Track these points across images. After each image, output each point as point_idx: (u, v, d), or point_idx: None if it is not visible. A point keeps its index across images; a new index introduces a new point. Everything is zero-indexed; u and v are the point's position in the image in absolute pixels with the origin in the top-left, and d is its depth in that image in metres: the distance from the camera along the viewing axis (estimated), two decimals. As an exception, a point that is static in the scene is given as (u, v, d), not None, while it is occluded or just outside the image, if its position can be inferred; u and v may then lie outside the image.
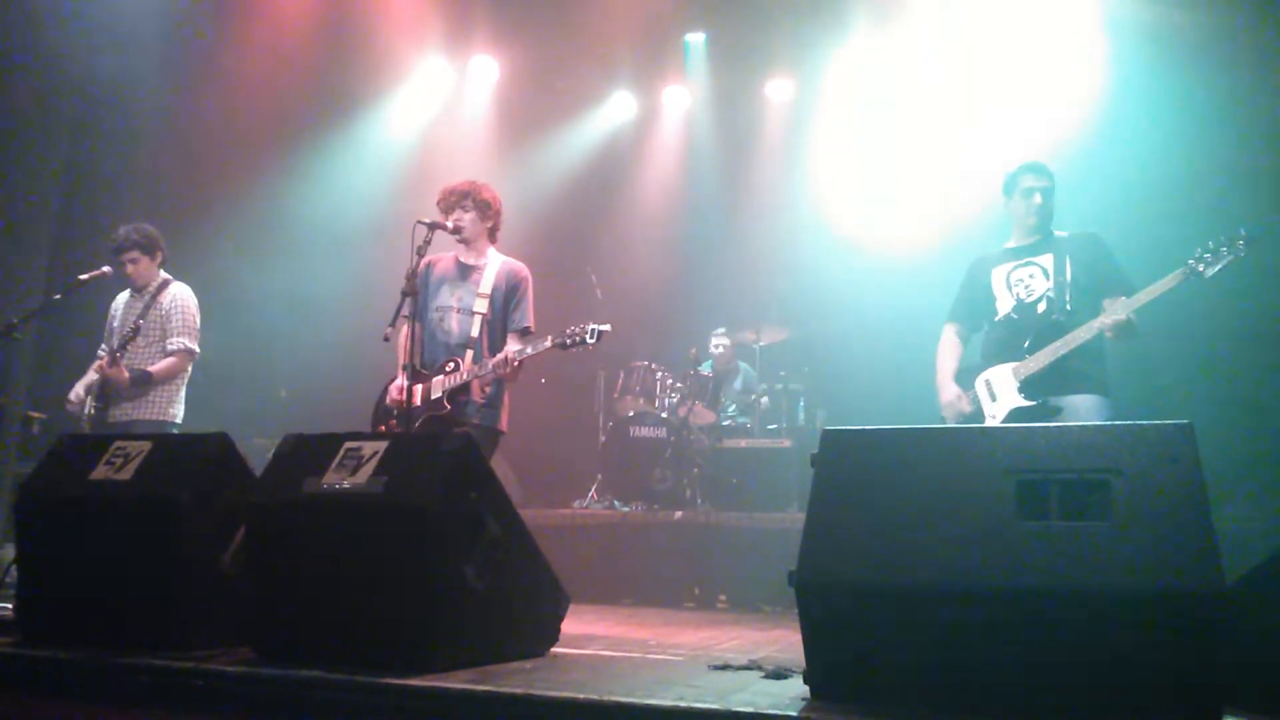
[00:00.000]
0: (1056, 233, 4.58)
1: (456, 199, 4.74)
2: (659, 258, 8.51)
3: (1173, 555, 2.34)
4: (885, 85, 7.75)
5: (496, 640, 3.11)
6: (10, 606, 3.62)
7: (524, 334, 4.70)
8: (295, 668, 2.79)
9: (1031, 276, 4.50)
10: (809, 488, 2.76)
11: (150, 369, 5.30)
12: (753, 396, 7.47)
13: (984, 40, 7.17)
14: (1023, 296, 4.50)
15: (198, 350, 5.46)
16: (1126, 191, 5.98)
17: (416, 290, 4.35)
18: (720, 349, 7.71)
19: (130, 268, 5.48)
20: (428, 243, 4.46)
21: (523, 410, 7.19)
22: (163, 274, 5.58)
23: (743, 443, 7.05)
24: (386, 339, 4.34)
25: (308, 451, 3.23)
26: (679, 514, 6.48)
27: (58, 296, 5.41)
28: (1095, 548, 2.39)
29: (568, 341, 4.38)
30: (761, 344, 7.53)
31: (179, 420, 5.45)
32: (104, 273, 5.46)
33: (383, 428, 4.66)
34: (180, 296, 5.48)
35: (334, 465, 3.09)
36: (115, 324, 5.53)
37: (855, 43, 7.74)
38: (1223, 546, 2.33)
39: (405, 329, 4.49)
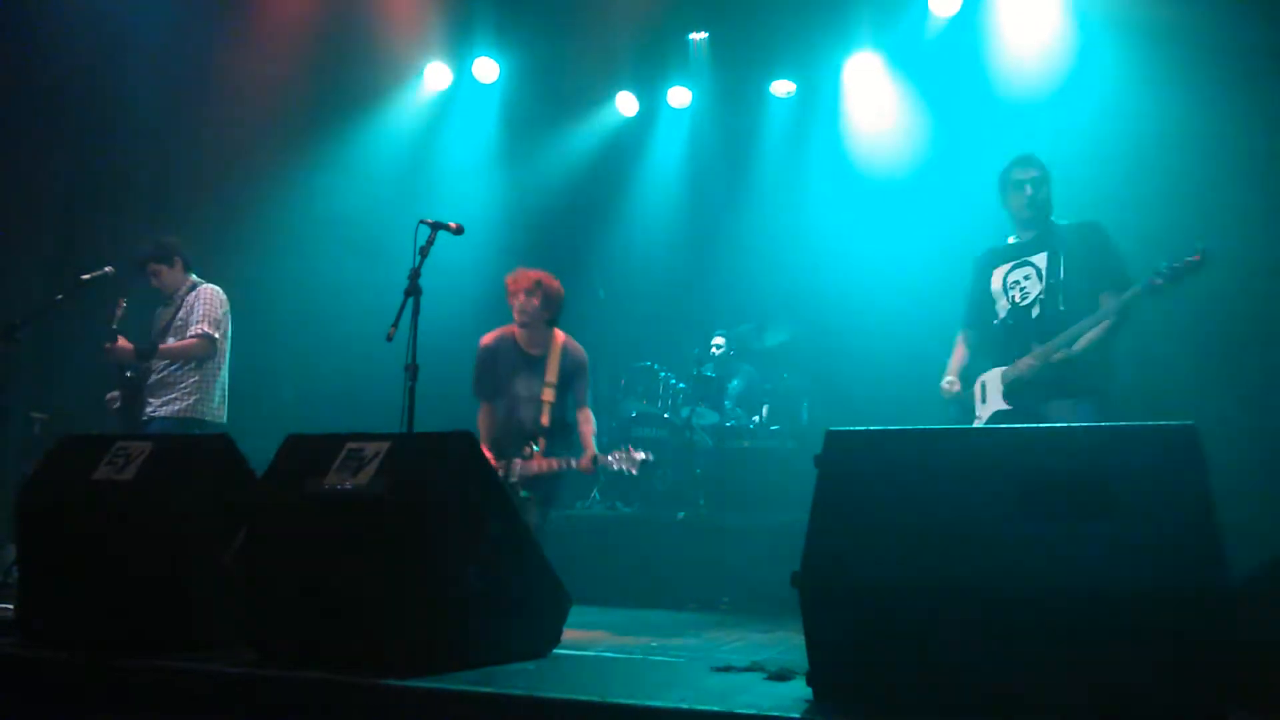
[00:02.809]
0: (1059, 224, 4.56)
1: (528, 285, 5.08)
2: (661, 257, 8.50)
3: (1177, 557, 2.33)
4: (890, 84, 7.74)
5: (498, 641, 3.10)
6: (11, 607, 3.62)
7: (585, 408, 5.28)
8: (296, 669, 2.78)
9: (1026, 278, 4.50)
10: (812, 489, 2.75)
11: (160, 345, 5.36)
12: (754, 395, 7.46)
13: (985, 39, 7.15)
14: (1017, 300, 4.51)
15: (216, 337, 5.47)
16: (1129, 190, 5.96)
17: (419, 290, 4.35)
18: (719, 350, 7.70)
19: (154, 280, 5.60)
20: (430, 243, 4.47)
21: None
22: (192, 278, 5.65)
23: (745, 443, 7.04)
24: (389, 339, 4.34)
25: (309, 452, 3.23)
26: (681, 515, 6.47)
27: (60, 297, 5.41)
28: (1098, 549, 2.39)
29: (614, 466, 4.96)
30: (764, 344, 7.52)
31: (212, 420, 5.44)
32: (106, 273, 5.45)
33: None
34: (204, 292, 5.57)
35: (336, 465, 3.09)
36: (153, 335, 5.58)
37: (859, 42, 7.72)
38: (1228, 548, 2.32)
39: (486, 409, 5.21)
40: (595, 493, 7.12)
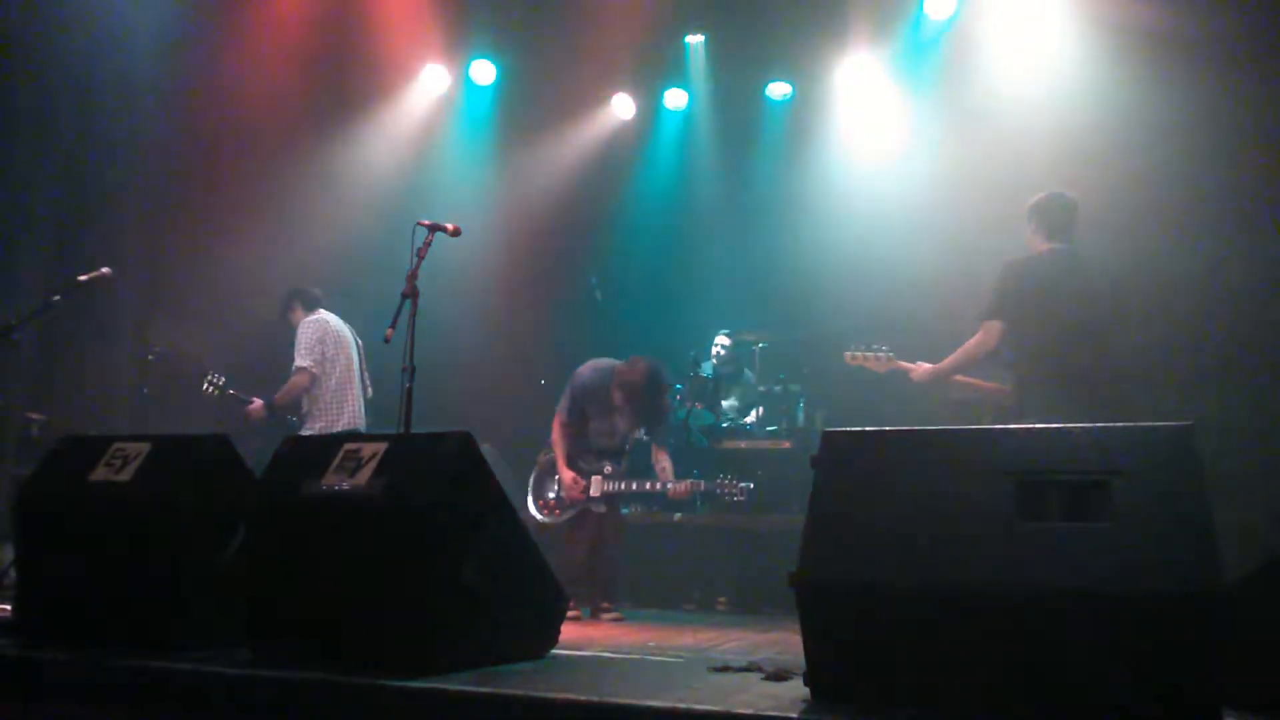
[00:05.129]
0: None
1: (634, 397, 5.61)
2: (658, 259, 8.49)
3: (1173, 556, 2.34)
4: (886, 87, 7.75)
5: (496, 642, 3.10)
6: (9, 607, 3.62)
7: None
8: (294, 669, 2.78)
9: None
10: (809, 489, 2.75)
11: (275, 396, 5.99)
12: (752, 398, 7.45)
13: (987, 43, 7.15)
14: None
15: (305, 365, 5.90)
16: (1126, 188, 5.97)
17: (416, 292, 4.36)
18: (722, 351, 7.70)
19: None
20: (427, 244, 4.47)
21: (523, 411, 7.19)
22: (313, 313, 6.13)
23: (742, 444, 7.04)
24: (387, 340, 4.35)
25: (307, 453, 3.24)
26: (678, 515, 6.47)
27: (56, 298, 5.40)
28: (1095, 549, 2.39)
29: (718, 491, 5.62)
30: (761, 345, 7.52)
31: (325, 432, 5.81)
32: (103, 274, 5.45)
33: (541, 502, 5.82)
34: (299, 327, 6.05)
35: (333, 466, 3.09)
36: None
37: (856, 44, 7.73)
38: (1223, 548, 2.32)
39: (564, 426, 5.70)
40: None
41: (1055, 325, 4.40)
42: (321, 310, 6.20)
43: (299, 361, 5.95)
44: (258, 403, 6.03)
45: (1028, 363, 4.51)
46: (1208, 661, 2.26)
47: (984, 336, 4.57)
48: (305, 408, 6.00)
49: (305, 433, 5.88)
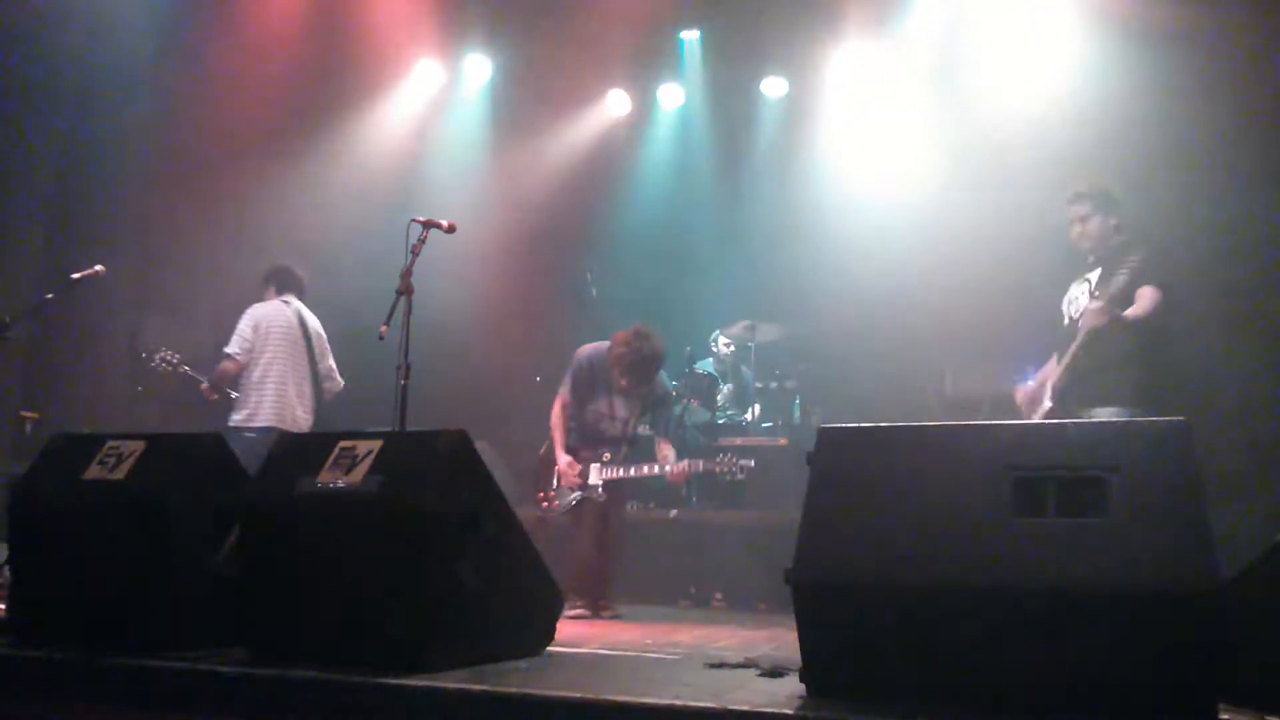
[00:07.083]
0: (1127, 241, 4.67)
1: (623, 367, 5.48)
2: (654, 256, 8.49)
3: (1169, 553, 2.33)
4: (881, 82, 7.74)
5: (492, 639, 3.10)
6: (3, 607, 3.61)
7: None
8: (290, 668, 2.78)
9: (1081, 295, 4.68)
10: (804, 486, 2.75)
11: (211, 377, 5.98)
12: (749, 394, 7.45)
13: (981, 38, 7.15)
14: (1071, 313, 4.70)
15: (232, 352, 5.86)
16: (1126, 187, 5.97)
17: (411, 289, 4.36)
18: (720, 348, 7.70)
19: None
20: (422, 241, 4.47)
21: (519, 408, 7.19)
22: (279, 299, 6.12)
23: (738, 441, 7.04)
24: (381, 337, 4.34)
25: (302, 450, 3.22)
26: (674, 512, 6.47)
27: (50, 295, 5.39)
28: (1092, 545, 2.39)
29: (717, 470, 5.45)
30: (757, 342, 7.52)
31: (242, 425, 5.80)
32: (96, 271, 5.44)
33: (541, 494, 5.70)
34: (245, 313, 6.00)
35: (328, 464, 3.08)
36: None
37: (850, 39, 7.72)
38: (1219, 544, 2.32)
39: (564, 409, 5.64)
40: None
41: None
42: (286, 297, 6.10)
43: (226, 348, 5.89)
44: (206, 384, 5.96)
45: (1156, 336, 4.47)
46: (1204, 658, 2.26)
47: (1156, 299, 4.40)
48: (235, 398, 5.90)
49: (229, 423, 5.81)
